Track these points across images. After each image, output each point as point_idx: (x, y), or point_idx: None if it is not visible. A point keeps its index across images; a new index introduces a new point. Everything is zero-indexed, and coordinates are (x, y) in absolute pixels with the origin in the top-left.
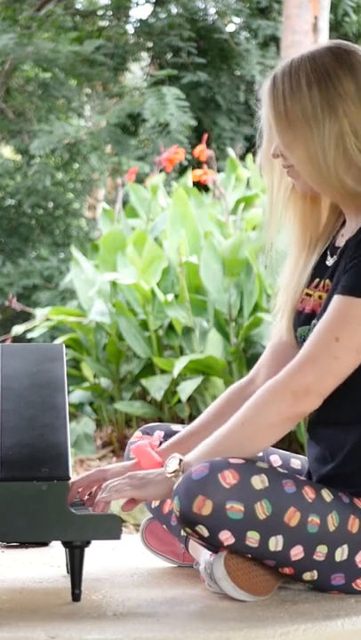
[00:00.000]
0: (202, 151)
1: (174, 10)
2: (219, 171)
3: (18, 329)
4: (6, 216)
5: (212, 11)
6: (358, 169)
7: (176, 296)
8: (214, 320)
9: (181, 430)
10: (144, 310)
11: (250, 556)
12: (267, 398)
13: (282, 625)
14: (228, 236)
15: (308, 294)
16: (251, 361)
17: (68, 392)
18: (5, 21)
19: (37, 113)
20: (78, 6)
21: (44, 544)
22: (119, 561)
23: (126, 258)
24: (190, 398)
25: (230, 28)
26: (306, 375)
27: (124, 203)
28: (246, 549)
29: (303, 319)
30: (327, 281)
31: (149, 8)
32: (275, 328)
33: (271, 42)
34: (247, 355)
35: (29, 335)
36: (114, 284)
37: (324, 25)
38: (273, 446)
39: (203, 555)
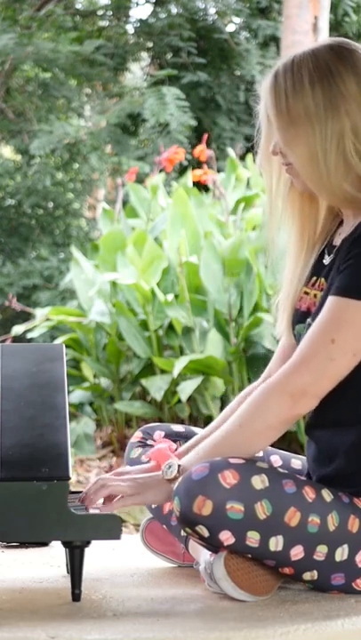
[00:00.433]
0: (202, 151)
1: (174, 10)
2: (219, 171)
3: (18, 329)
4: (6, 216)
5: (212, 11)
6: (357, 176)
7: (176, 296)
8: (214, 320)
9: (198, 433)
10: (144, 310)
11: (250, 556)
12: (264, 401)
13: (282, 625)
14: (228, 235)
15: (305, 292)
16: (251, 361)
17: (68, 392)
18: (5, 21)
19: (37, 113)
20: (78, 6)
21: (44, 544)
22: (119, 561)
23: (126, 258)
24: (190, 398)
25: (230, 28)
26: (302, 376)
27: (124, 203)
28: (246, 549)
29: (300, 317)
30: (323, 280)
31: (149, 8)
32: (279, 327)
33: (271, 42)
34: (247, 355)
35: (29, 335)
36: (114, 283)
37: (324, 25)
38: (273, 446)
39: (203, 555)
